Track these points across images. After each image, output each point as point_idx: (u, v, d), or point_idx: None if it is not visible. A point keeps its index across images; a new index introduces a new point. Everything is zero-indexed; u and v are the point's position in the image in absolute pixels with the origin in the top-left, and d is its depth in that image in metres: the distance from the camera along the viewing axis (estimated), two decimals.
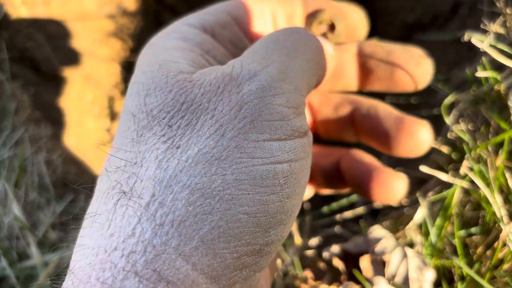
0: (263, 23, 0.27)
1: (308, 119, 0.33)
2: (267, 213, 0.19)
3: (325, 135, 0.34)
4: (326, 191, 0.36)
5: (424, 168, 0.46)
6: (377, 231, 0.46)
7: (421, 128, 0.29)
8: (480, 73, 0.46)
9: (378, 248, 0.43)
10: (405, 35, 0.73)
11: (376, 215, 0.55)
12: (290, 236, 0.52)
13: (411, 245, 0.46)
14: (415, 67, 0.29)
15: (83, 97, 0.80)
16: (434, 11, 0.69)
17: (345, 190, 0.35)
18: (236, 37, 0.26)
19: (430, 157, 0.51)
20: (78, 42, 0.80)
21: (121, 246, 0.17)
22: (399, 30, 0.74)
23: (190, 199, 0.18)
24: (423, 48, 0.30)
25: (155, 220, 0.17)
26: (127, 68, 0.84)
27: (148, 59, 0.23)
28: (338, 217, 0.56)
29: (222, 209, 0.18)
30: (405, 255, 0.42)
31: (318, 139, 0.35)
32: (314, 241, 0.52)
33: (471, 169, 0.44)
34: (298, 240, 0.51)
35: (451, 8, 0.65)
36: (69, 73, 0.79)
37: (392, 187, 0.30)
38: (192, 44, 0.23)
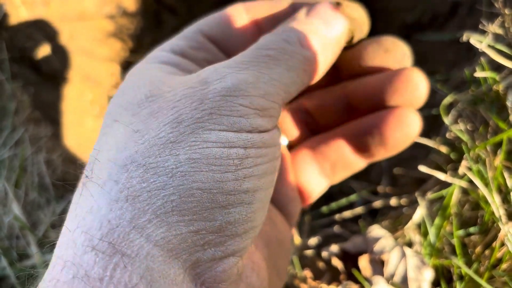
0: (246, 36, 0.27)
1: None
2: (222, 189, 0.19)
3: (325, 122, 0.33)
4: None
5: (423, 168, 0.46)
6: (376, 230, 0.46)
7: (416, 74, 0.28)
8: (479, 74, 0.46)
9: (377, 247, 0.43)
10: (404, 35, 0.73)
11: (375, 214, 0.55)
12: None
13: (409, 244, 0.46)
14: (383, 55, 0.29)
15: (83, 97, 0.80)
16: (433, 11, 0.69)
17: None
18: (213, 57, 0.27)
19: (429, 157, 0.51)
20: (77, 42, 0.80)
21: (82, 223, 0.18)
22: (398, 30, 0.75)
23: (144, 176, 0.19)
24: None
25: (110, 196, 0.18)
26: (127, 68, 0.84)
27: (133, 80, 0.24)
28: (337, 216, 0.56)
29: (175, 184, 0.18)
30: (403, 255, 0.42)
31: (319, 131, 0.34)
32: (313, 240, 0.52)
33: (470, 169, 0.44)
34: (297, 239, 0.51)
35: (450, 9, 0.65)
36: (69, 73, 0.79)
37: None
38: (172, 66, 0.25)
